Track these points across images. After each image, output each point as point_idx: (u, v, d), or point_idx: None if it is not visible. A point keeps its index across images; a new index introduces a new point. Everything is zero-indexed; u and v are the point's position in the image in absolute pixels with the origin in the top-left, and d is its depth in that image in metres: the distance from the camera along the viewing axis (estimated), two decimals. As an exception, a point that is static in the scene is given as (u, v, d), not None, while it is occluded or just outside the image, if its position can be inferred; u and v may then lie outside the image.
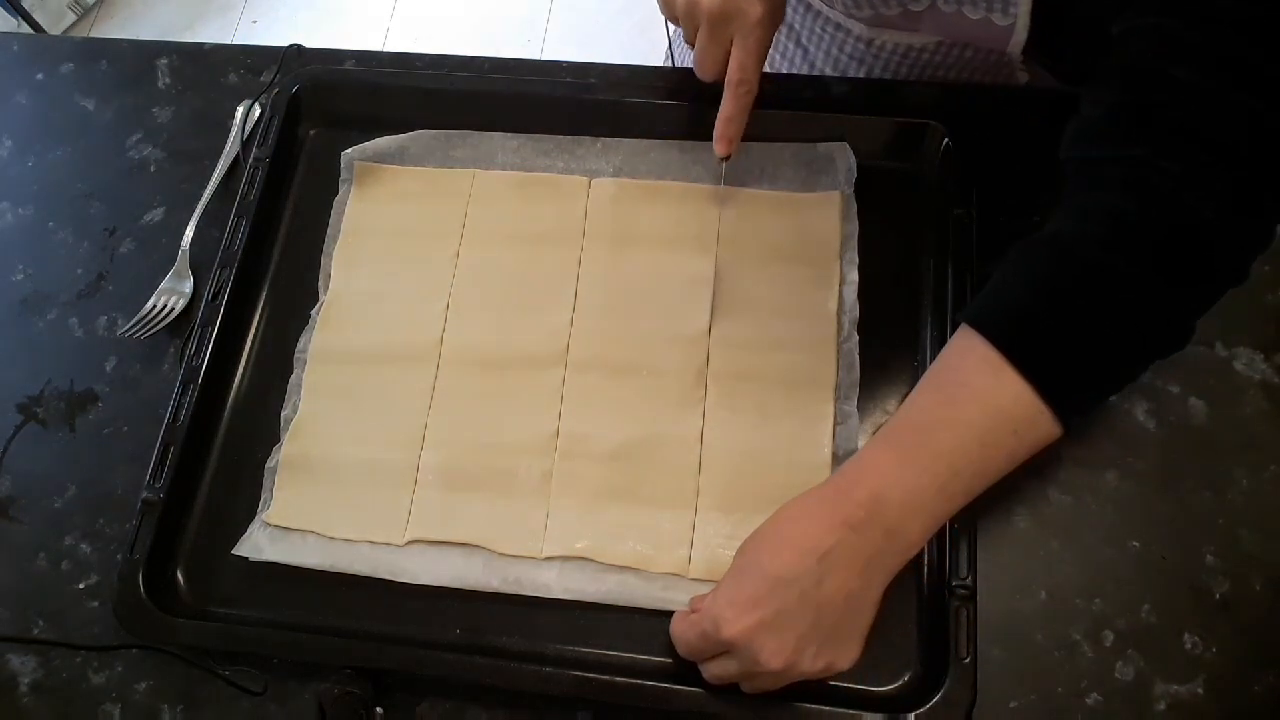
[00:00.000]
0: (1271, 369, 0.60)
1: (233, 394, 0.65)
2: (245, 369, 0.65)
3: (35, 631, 0.60)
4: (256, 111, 0.73)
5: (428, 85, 0.72)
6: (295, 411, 0.62)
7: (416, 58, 0.75)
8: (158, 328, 0.67)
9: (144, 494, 0.59)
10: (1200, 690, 0.53)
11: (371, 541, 0.58)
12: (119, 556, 0.59)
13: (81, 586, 0.61)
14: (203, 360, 0.63)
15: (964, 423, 0.46)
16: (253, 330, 0.66)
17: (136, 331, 0.67)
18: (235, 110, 0.74)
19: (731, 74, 0.59)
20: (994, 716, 0.53)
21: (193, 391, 0.62)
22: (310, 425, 0.62)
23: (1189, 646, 0.54)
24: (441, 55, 0.74)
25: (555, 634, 0.56)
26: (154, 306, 0.68)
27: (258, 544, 0.59)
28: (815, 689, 0.53)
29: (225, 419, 0.64)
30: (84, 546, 0.62)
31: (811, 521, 0.47)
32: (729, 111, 0.60)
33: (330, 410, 0.62)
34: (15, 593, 0.61)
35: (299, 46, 0.76)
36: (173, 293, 0.68)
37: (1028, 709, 0.53)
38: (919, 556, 0.56)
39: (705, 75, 0.61)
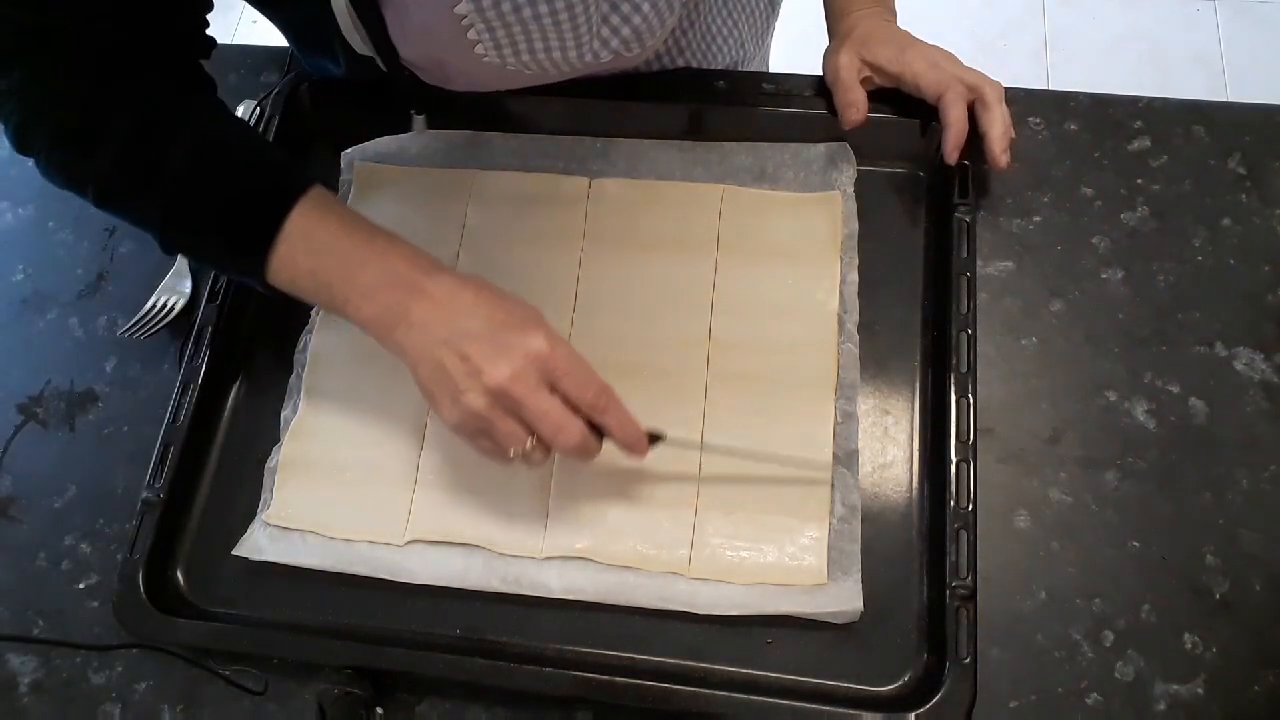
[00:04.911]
0: (1271, 369, 0.60)
1: (233, 394, 0.64)
2: (245, 369, 0.65)
3: (35, 631, 0.60)
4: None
5: (428, 86, 0.71)
6: (295, 411, 0.62)
7: (416, 58, 0.74)
8: (158, 328, 0.67)
9: (144, 494, 0.59)
10: (1200, 690, 0.53)
11: (371, 541, 0.58)
12: (119, 557, 0.59)
13: (81, 586, 0.61)
14: (202, 360, 0.63)
15: None
16: (253, 330, 0.66)
17: (136, 331, 0.67)
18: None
19: (585, 401, 0.51)
20: (994, 716, 0.53)
21: (193, 391, 0.62)
22: (310, 425, 0.62)
23: (1189, 646, 0.54)
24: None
25: (555, 634, 0.56)
26: (154, 306, 0.68)
27: (258, 544, 0.59)
28: (814, 690, 0.53)
29: (225, 419, 0.64)
30: (84, 546, 0.62)
31: None
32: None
33: (330, 410, 0.62)
34: (15, 593, 0.61)
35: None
36: (172, 292, 0.68)
37: (1028, 709, 0.53)
38: (919, 557, 0.56)
39: (573, 445, 0.51)
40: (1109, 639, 0.54)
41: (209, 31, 0.61)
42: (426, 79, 0.64)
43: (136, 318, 0.67)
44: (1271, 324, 0.61)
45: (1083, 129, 0.68)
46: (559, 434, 0.50)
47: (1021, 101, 0.69)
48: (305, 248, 0.54)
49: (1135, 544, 0.56)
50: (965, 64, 0.64)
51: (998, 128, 0.62)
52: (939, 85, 0.62)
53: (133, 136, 0.53)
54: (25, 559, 0.62)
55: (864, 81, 0.65)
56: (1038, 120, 0.68)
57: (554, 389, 0.50)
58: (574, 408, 0.51)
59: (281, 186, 0.55)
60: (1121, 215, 0.65)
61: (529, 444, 0.51)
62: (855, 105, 0.64)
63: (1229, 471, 0.58)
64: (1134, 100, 0.69)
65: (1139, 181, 0.66)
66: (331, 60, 0.68)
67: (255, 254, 0.54)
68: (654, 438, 0.54)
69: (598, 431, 0.52)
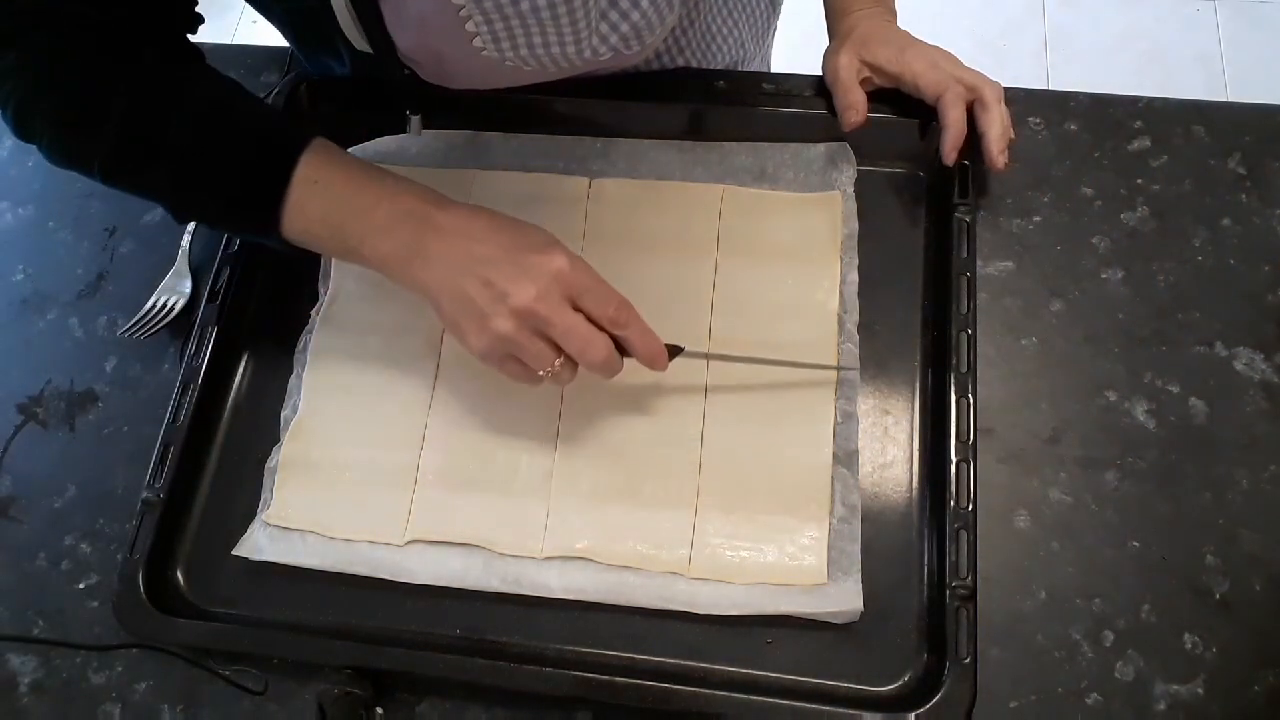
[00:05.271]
0: (1271, 369, 0.60)
1: (233, 394, 0.64)
2: (245, 369, 0.65)
3: (35, 631, 0.60)
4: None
5: (428, 85, 0.71)
6: (295, 411, 0.62)
7: (416, 58, 0.74)
8: (158, 328, 0.67)
9: (144, 494, 0.59)
10: (1200, 690, 0.53)
11: (371, 541, 0.58)
12: (119, 557, 0.59)
13: (81, 586, 0.61)
14: (203, 360, 0.63)
15: None
16: (252, 330, 0.66)
17: (136, 331, 0.67)
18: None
19: (605, 318, 0.52)
20: (994, 716, 0.53)
21: (193, 391, 0.62)
22: (310, 425, 0.62)
23: (1189, 646, 0.54)
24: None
25: (555, 634, 0.56)
26: (154, 306, 0.68)
27: (258, 544, 0.59)
28: (814, 690, 0.53)
29: (225, 419, 0.64)
30: (84, 546, 0.62)
31: None
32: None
33: (330, 410, 0.62)
34: (15, 593, 0.61)
35: (299, 46, 0.76)
36: (172, 292, 0.68)
37: (1028, 709, 0.53)
38: (918, 557, 0.56)
39: (601, 359, 0.52)
40: (1109, 639, 0.54)
41: (212, 33, 0.61)
42: (425, 75, 0.64)
43: (136, 318, 0.67)
44: (1271, 324, 0.61)
45: (1083, 129, 0.68)
46: (587, 348, 0.51)
47: (1021, 101, 0.68)
48: (316, 193, 0.54)
49: (1135, 544, 0.56)
50: (965, 64, 0.64)
51: (996, 128, 0.62)
52: (938, 86, 0.62)
53: (133, 109, 0.54)
54: (25, 559, 0.62)
55: (863, 82, 0.65)
56: (1038, 120, 0.68)
57: (576, 306, 0.51)
58: (596, 324, 0.52)
59: (286, 138, 0.55)
60: (1121, 215, 0.65)
61: (557, 363, 0.52)
62: (855, 107, 0.64)
63: (1229, 471, 0.58)
64: (1134, 100, 0.69)
65: (1139, 181, 0.66)
66: (335, 59, 0.68)
67: (267, 206, 0.54)
68: (673, 351, 0.55)
69: (618, 349, 0.53)
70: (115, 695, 0.58)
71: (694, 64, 0.74)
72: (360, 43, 0.58)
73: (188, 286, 0.69)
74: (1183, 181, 0.66)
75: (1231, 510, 0.57)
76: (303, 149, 0.54)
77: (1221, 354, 0.61)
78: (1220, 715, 0.53)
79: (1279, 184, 0.65)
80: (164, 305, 0.68)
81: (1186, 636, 0.54)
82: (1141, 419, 0.60)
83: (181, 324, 0.67)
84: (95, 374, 0.67)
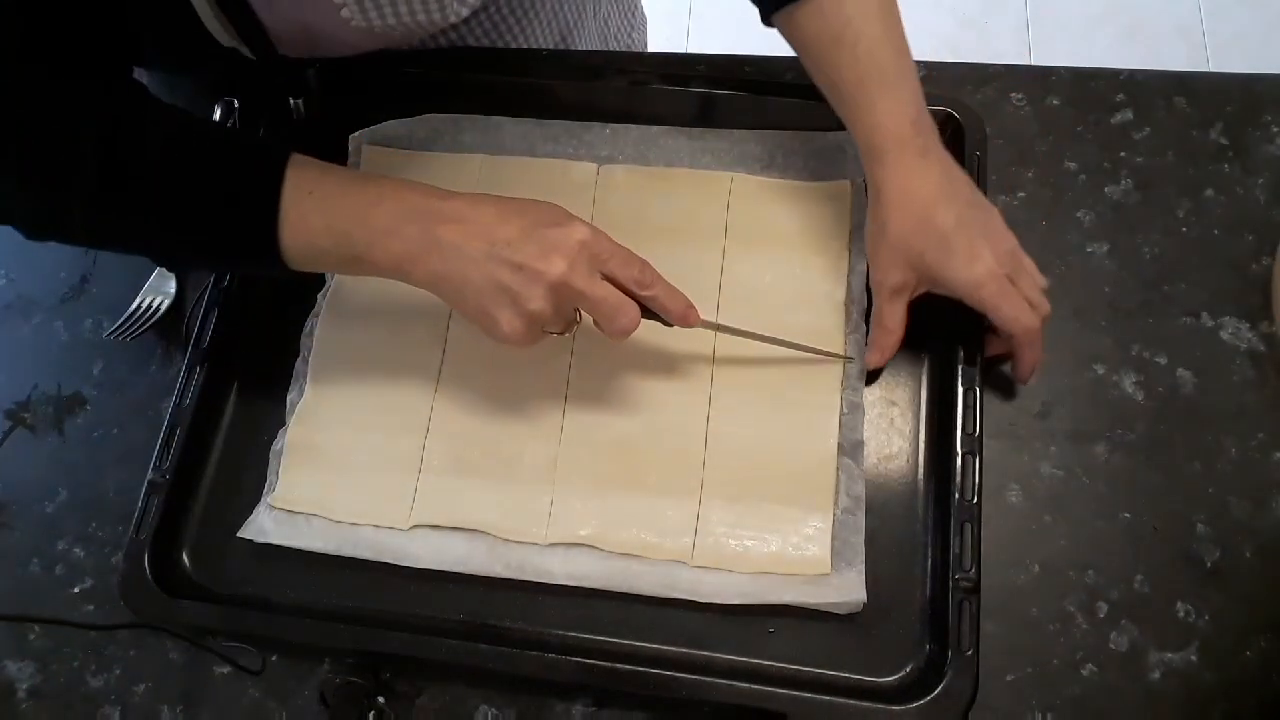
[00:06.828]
0: (1257, 337, 0.61)
1: (239, 377, 0.64)
2: (251, 352, 0.65)
3: (31, 638, 0.60)
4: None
5: (436, 71, 0.71)
6: (301, 395, 0.62)
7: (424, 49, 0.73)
8: (143, 328, 0.67)
9: (150, 475, 0.59)
10: (1194, 657, 0.54)
11: (376, 525, 0.58)
12: (117, 558, 0.58)
13: (76, 591, 0.61)
14: (209, 343, 0.62)
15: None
16: (259, 314, 0.66)
17: (122, 333, 0.67)
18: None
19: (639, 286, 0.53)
20: (991, 690, 0.53)
21: (199, 373, 0.61)
22: (316, 409, 0.62)
23: (1182, 615, 0.55)
24: (453, 47, 0.73)
25: (558, 620, 0.56)
26: (139, 307, 0.67)
27: (263, 526, 0.59)
28: (815, 680, 0.53)
29: (231, 402, 0.63)
30: (77, 550, 0.62)
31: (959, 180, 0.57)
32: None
33: (336, 394, 0.62)
34: (9, 600, 0.61)
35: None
36: (157, 293, 0.68)
37: (1024, 681, 0.54)
38: (922, 549, 0.56)
39: (632, 326, 0.53)
40: (1103, 610, 0.55)
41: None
42: (290, 52, 0.63)
43: (122, 319, 0.67)
44: (1256, 293, 0.62)
45: (1065, 103, 0.68)
46: (617, 316, 0.52)
47: (1003, 78, 0.68)
48: (312, 204, 0.53)
49: (1126, 515, 0.57)
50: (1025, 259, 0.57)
51: (1022, 367, 0.58)
52: (1004, 326, 0.56)
53: (98, 158, 0.51)
54: (18, 565, 0.62)
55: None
56: (1020, 96, 0.68)
57: (602, 274, 0.52)
58: (622, 288, 0.52)
59: (264, 155, 0.54)
60: (1105, 188, 0.66)
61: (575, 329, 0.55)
62: (884, 350, 0.58)
63: (1217, 441, 0.58)
64: (1115, 73, 0.69)
65: (1122, 154, 0.66)
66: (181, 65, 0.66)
67: (263, 225, 0.52)
68: None
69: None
70: (114, 698, 0.58)
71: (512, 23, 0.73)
72: (225, 37, 0.56)
73: (172, 287, 0.68)
74: (1165, 153, 0.66)
75: (1221, 479, 0.57)
76: (285, 163, 0.53)
77: (1208, 324, 0.61)
78: (1214, 681, 0.53)
79: (1260, 153, 0.66)
80: (149, 306, 0.67)
81: (1179, 605, 0.55)
82: (1130, 391, 0.60)
83: (167, 324, 0.67)
84: (82, 377, 0.67)
